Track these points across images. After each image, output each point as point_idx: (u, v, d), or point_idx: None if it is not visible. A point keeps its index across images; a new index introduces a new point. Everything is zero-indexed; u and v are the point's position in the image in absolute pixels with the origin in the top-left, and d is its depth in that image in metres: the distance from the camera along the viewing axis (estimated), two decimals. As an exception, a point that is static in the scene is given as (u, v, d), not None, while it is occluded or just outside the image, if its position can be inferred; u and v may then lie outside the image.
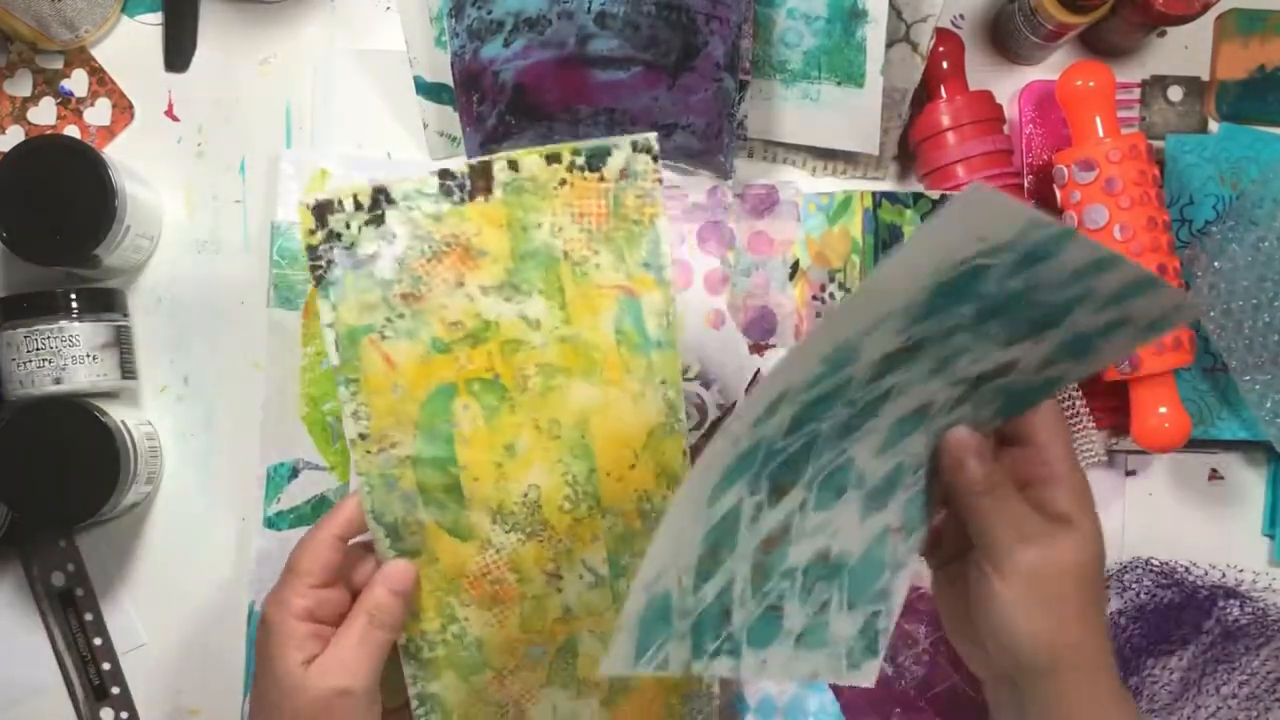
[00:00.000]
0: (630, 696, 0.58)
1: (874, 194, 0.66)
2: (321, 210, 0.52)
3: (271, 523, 0.67)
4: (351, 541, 0.55)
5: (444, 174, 0.52)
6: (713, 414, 0.66)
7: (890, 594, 0.56)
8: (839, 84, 0.66)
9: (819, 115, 0.67)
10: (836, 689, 0.64)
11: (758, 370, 0.66)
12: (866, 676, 0.57)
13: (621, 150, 0.53)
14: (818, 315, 0.66)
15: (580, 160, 0.53)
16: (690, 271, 0.67)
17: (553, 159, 0.53)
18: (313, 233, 0.52)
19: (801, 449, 0.50)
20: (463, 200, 0.53)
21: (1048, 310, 0.47)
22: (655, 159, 0.53)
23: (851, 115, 0.66)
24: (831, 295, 0.66)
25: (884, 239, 0.66)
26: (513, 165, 0.53)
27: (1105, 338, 0.49)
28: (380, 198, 0.52)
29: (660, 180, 0.53)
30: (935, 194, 0.65)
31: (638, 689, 0.58)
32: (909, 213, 0.66)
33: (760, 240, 0.67)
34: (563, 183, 0.53)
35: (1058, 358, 0.50)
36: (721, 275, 0.67)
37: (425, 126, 0.69)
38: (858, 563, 0.55)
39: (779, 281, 0.66)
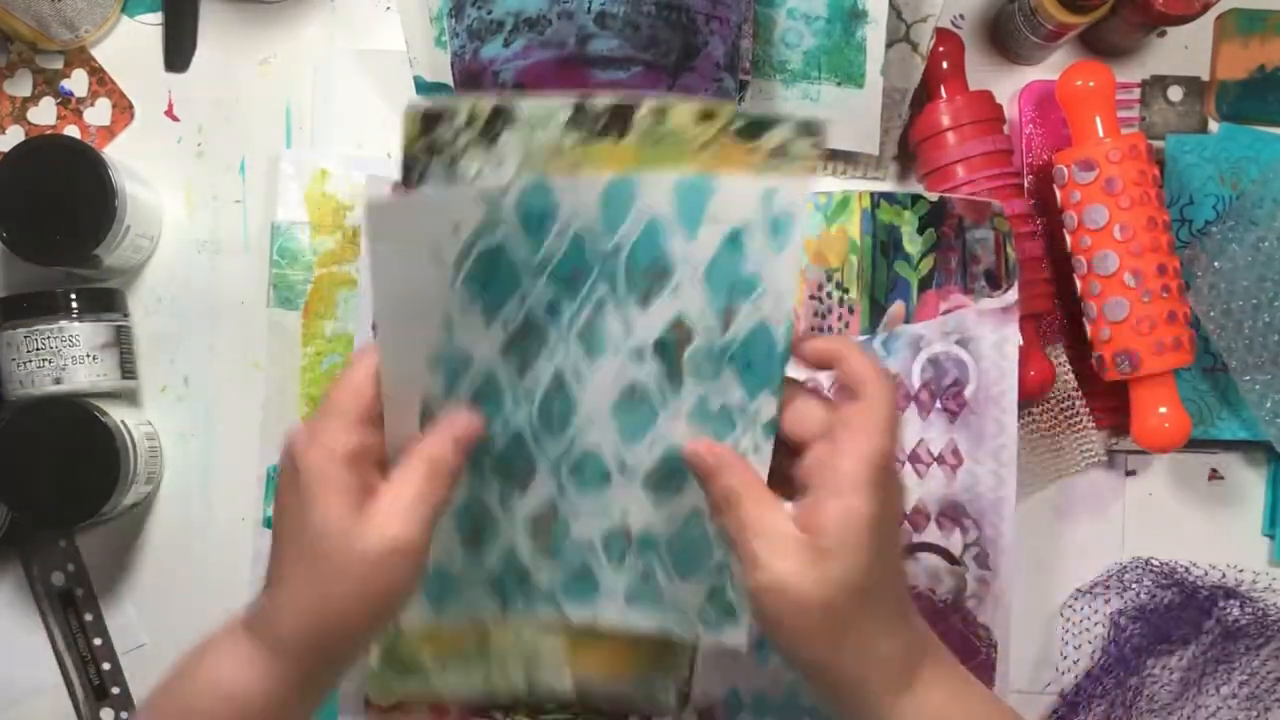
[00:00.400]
0: (598, 639, 0.57)
1: (872, 194, 0.66)
2: (431, 120, 0.48)
3: (271, 523, 0.67)
4: None
5: (579, 105, 0.48)
6: None
7: (729, 567, 0.55)
8: (839, 84, 0.66)
9: (819, 115, 0.66)
10: None
11: None
12: (732, 638, 0.56)
13: (785, 126, 0.49)
14: (814, 314, 0.66)
15: (738, 125, 0.49)
16: None
17: (707, 116, 0.49)
18: (414, 140, 0.48)
19: (510, 447, 0.52)
20: (591, 137, 0.49)
21: (634, 256, 0.48)
22: (817, 147, 0.49)
23: (851, 115, 0.66)
24: (829, 294, 0.66)
25: (882, 239, 0.66)
26: (659, 113, 0.48)
27: (741, 259, 0.48)
28: (499, 117, 0.48)
29: (814, 169, 0.50)
30: (933, 195, 0.65)
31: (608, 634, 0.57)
32: (907, 213, 0.65)
33: None
34: (707, 144, 0.49)
35: (722, 302, 0.49)
36: None
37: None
38: (673, 541, 0.54)
39: None
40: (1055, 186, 0.65)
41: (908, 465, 0.65)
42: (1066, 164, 0.64)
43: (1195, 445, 0.69)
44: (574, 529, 0.54)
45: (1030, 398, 0.67)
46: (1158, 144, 0.69)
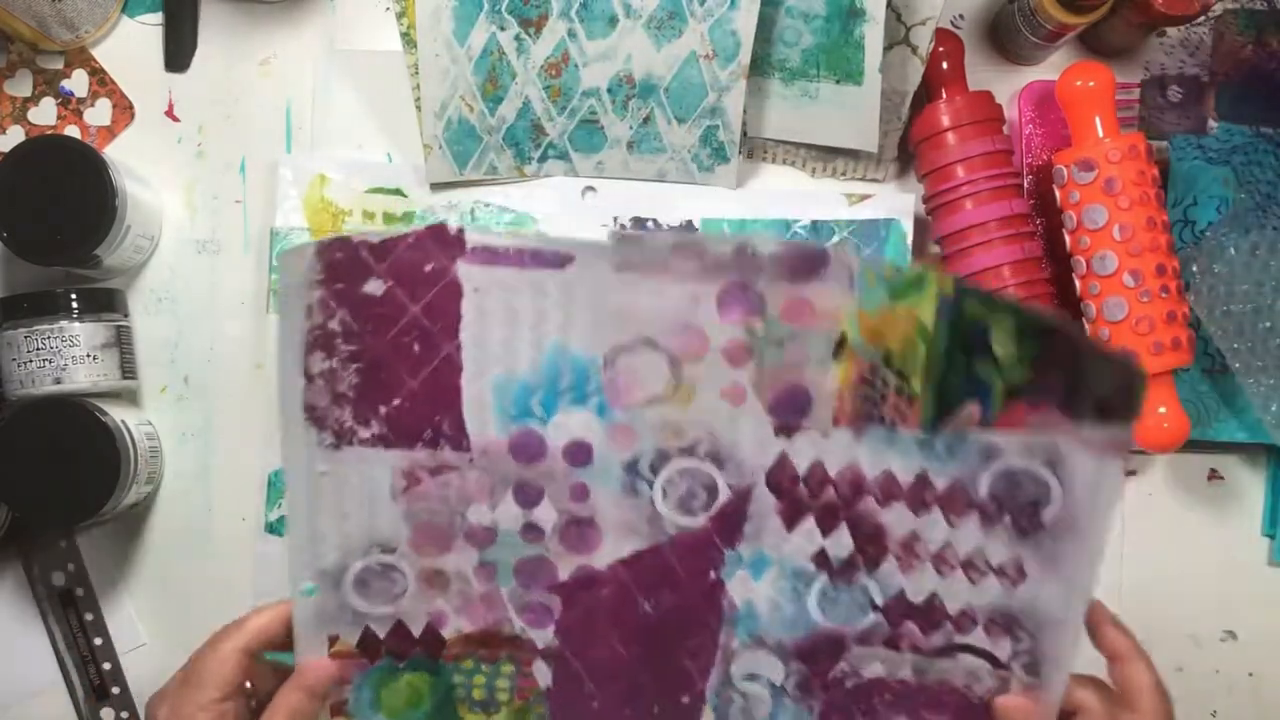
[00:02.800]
0: None
1: (956, 281, 0.53)
2: None
3: (273, 528, 0.67)
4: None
5: None
6: (724, 495, 0.56)
7: (723, 110, 0.62)
8: (838, 82, 0.66)
9: (818, 113, 0.67)
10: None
11: (783, 452, 0.56)
12: (723, 178, 0.66)
13: None
14: (863, 399, 0.55)
15: None
16: (705, 340, 0.55)
17: None
18: None
19: None
20: None
21: None
22: None
23: (850, 112, 0.66)
24: (884, 381, 0.55)
25: (964, 330, 0.54)
26: None
27: None
28: None
29: None
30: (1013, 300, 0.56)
31: None
32: (1004, 317, 0.54)
33: (800, 308, 0.54)
34: None
35: None
36: (745, 346, 0.55)
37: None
38: (672, 84, 0.62)
39: (819, 357, 0.54)
40: (1055, 187, 0.65)
41: (958, 570, 0.55)
42: (1066, 164, 0.64)
43: (1195, 445, 0.69)
44: (584, 76, 0.58)
45: (1030, 398, 0.67)
46: (1158, 144, 0.69)
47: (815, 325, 0.54)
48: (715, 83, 0.63)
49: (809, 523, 0.56)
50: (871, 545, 0.55)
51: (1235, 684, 0.70)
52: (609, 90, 0.63)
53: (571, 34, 0.62)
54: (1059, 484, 0.54)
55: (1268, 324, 0.65)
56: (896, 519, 0.55)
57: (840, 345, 0.54)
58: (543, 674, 0.58)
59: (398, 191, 0.68)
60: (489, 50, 0.62)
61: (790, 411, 0.55)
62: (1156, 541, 0.70)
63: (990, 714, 0.55)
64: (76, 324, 0.65)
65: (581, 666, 0.58)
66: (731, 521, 0.56)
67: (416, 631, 0.58)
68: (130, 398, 0.70)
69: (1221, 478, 0.71)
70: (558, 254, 0.55)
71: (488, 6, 0.62)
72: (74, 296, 0.65)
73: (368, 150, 0.70)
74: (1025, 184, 0.69)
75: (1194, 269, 0.66)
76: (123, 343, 0.68)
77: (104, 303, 0.67)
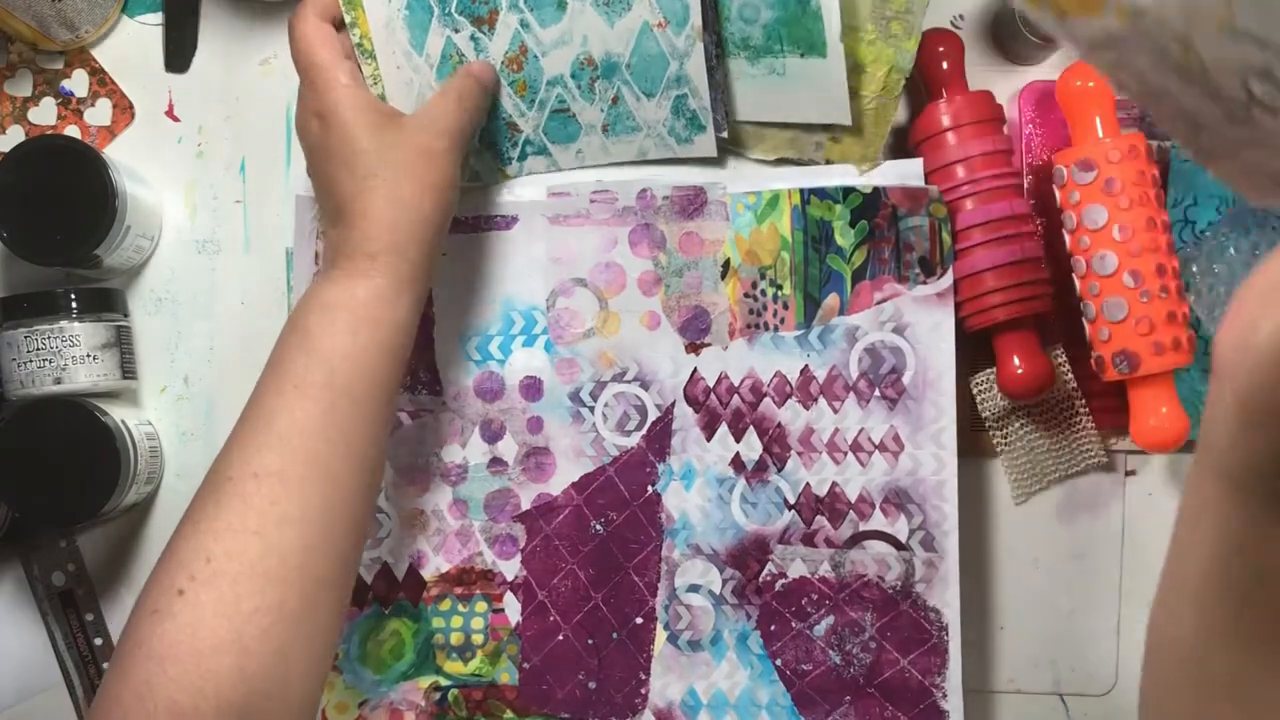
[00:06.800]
0: None
1: (802, 190, 0.66)
2: None
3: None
4: None
5: None
6: (652, 414, 0.67)
7: (688, 78, 0.63)
8: (803, 56, 0.64)
9: (787, 89, 0.65)
10: (788, 682, 0.65)
11: (694, 369, 0.67)
12: (702, 147, 0.66)
13: None
14: (749, 312, 0.67)
15: None
16: (624, 274, 0.67)
17: None
18: None
19: None
20: None
21: None
22: None
23: (818, 86, 0.65)
24: (763, 292, 0.66)
25: (813, 234, 0.66)
26: None
27: None
28: None
29: None
30: (867, 187, 0.65)
31: None
32: (838, 207, 0.66)
33: (691, 241, 0.67)
34: None
35: None
36: (654, 277, 0.67)
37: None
38: (633, 59, 0.62)
39: (711, 281, 0.67)
40: (1055, 187, 0.65)
41: (849, 455, 0.66)
42: (1066, 164, 0.64)
43: (1195, 446, 0.68)
44: (545, 66, 0.61)
45: (1030, 398, 0.67)
46: (1158, 144, 0.69)
47: (704, 253, 0.67)
48: (674, 50, 0.63)
49: (723, 430, 0.66)
50: (776, 445, 0.66)
51: (1235, 684, 0.70)
52: (572, 76, 0.63)
53: (524, 24, 0.62)
54: (909, 345, 0.65)
55: (1268, 324, 0.65)
56: (791, 415, 0.66)
57: (726, 267, 0.67)
58: (512, 608, 0.66)
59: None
60: (447, 54, 0.62)
61: (695, 332, 0.67)
62: (1157, 541, 0.70)
63: (905, 601, 0.64)
64: (76, 324, 0.65)
65: (546, 596, 0.66)
66: (661, 438, 0.67)
67: (400, 574, 0.66)
68: (130, 398, 0.70)
69: (1222, 478, 0.70)
70: (505, 217, 0.67)
71: (438, 10, 0.62)
72: (74, 296, 0.65)
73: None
74: (1025, 184, 0.69)
75: (1194, 269, 0.66)
76: (123, 343, 0.68)
77: (104, 303, 0.67)
